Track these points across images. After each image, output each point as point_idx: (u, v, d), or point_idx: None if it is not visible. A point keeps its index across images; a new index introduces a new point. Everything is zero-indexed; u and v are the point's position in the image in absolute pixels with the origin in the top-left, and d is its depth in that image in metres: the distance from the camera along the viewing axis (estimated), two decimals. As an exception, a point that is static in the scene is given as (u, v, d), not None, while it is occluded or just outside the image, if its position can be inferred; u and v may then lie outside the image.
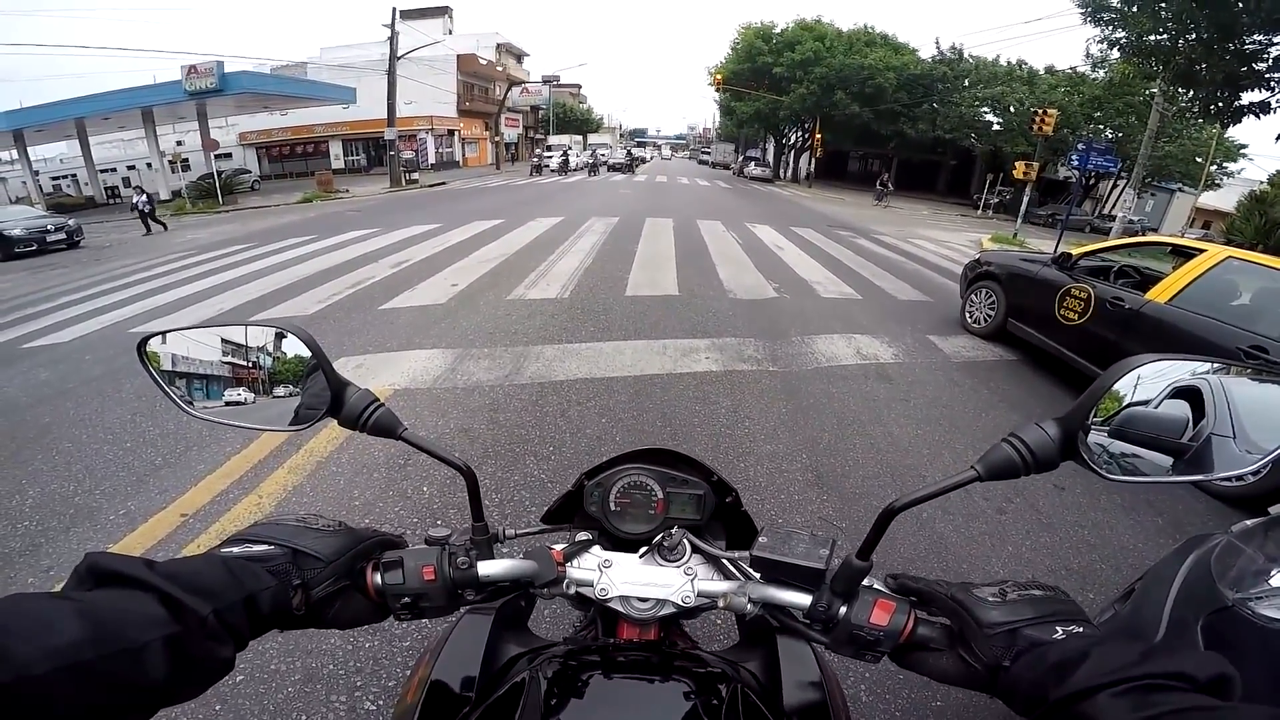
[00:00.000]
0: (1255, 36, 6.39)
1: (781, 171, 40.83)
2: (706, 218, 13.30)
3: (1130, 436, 0.56)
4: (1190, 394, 0.57)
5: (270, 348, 0.65)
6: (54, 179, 35.53)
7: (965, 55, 32.13)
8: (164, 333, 0.66)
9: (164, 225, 15.05)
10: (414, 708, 0.60)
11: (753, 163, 39.18)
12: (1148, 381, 0.57)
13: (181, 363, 0.66)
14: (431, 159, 36.65)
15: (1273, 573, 1.08)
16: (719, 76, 33.99)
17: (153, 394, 3.87)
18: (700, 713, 0.55)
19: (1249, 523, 1.35)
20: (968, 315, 5.85)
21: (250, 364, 0.65)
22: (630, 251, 8.54)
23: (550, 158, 34.28)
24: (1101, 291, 4.41)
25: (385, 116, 24.29)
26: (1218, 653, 0.99)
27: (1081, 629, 0.50)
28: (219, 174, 21.80)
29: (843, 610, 0.58)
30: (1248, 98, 7.00)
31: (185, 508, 2.65)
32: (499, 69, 42.34)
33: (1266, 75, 6.63)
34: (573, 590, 0.69)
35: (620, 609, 0.69)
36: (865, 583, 0.60)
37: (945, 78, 30.94)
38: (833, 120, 32.11)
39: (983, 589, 0.56)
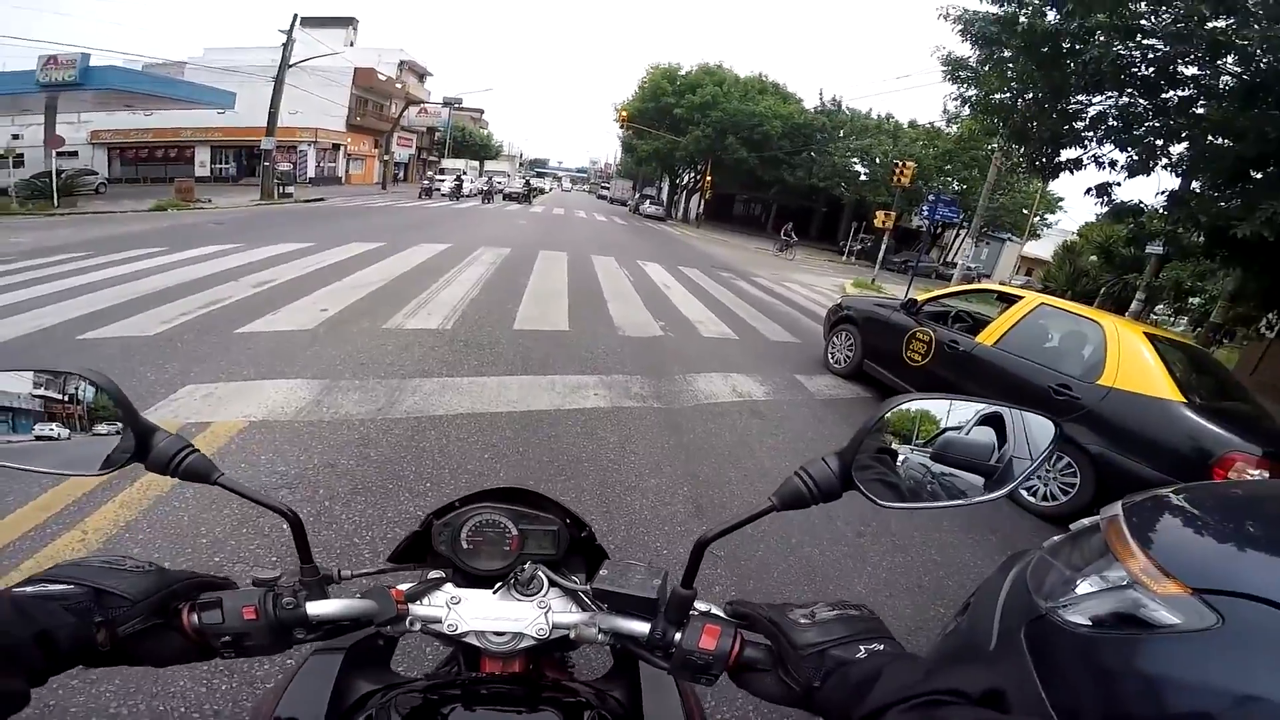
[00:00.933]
0: (1079, 97, 7.36)
1: (673, 211, 42.50)
2: (601, 253, 13.57)
3: (948, 459, 0.63)
4: (995, 420, 0.65)
5: (75, 393, 0.63)
6: None
7: (844, 107, 35.31)
8: None
9: None
10: None
11: (648, 201, 40.55)
12: (960, 407, 0.66)
13: None
14: (311, 173, 34.32)
15: (1077, 582, 1.23)
16: (624, 113, 34.55)
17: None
18: None
19: (1056, 538, 1.52)
20: (830, 356, 6.39)
21: (40, 409, 0.63)
22: (521, 285, 8.46)
23: (442, 181, 33.10)
24: (941, 335, 4.99)
25: (265, 125, 22.52)
26: (1036, 658, 1.13)
27: (882, 646, 0.54)
28: (59, 173, 18.89)
29: (677, 636, 0.61)
30: (1066, 154, 7.99)
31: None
32: (398, 86, 40.85)
33: (1083, 133, 7.63)
34: (418, 627, 0.69)
35: (477, 643, 0.69)
36: (704, 608, 0.64)
37: (824, 128, 33.72)
38: (723, 164, 33.94)
39: (796, 611, 0.60)
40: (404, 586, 0.70)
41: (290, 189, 24.53)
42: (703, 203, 37.10)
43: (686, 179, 42.14)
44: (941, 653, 1.53)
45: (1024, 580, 1.37)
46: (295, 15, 21.97)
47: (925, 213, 17.69)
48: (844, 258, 29.46)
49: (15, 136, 24.40)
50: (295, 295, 6.49)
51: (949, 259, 32.61)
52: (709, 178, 34.35)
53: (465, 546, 0.76)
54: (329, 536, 2.56)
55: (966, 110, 8.93)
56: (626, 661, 0.76)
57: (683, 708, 0.70)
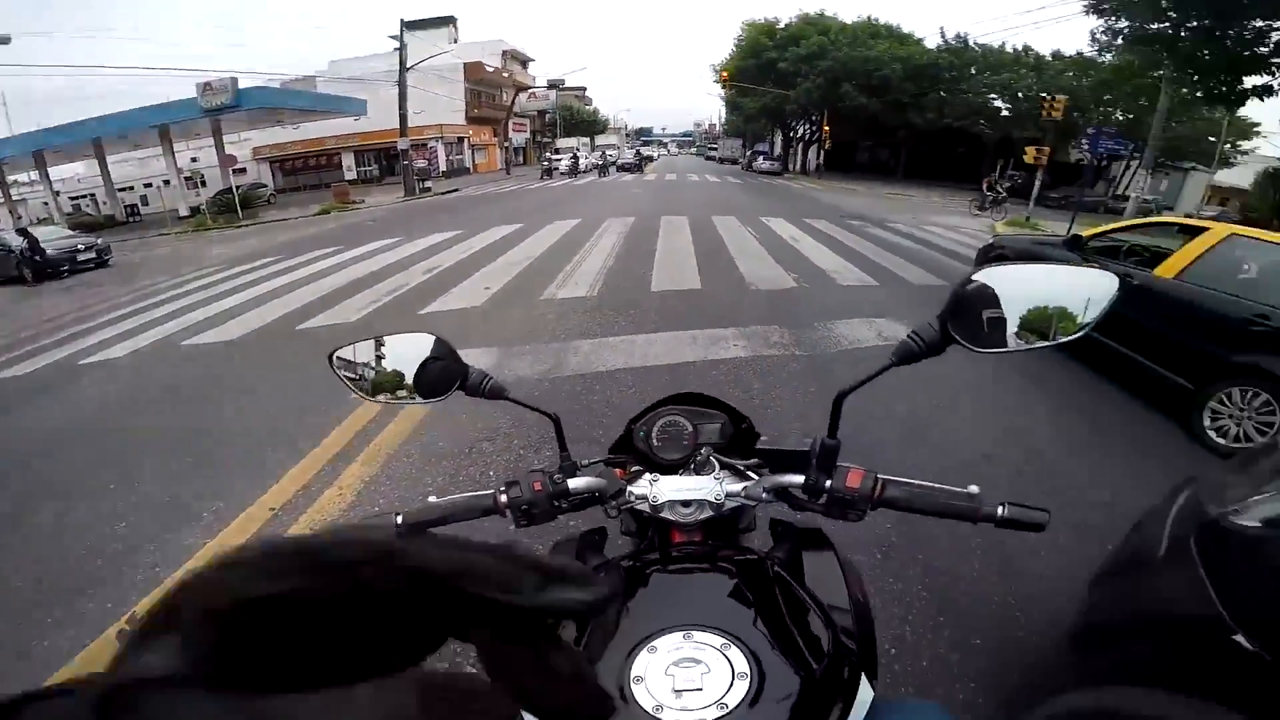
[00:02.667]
0: (1254, 22, 6.44)
1: (789, 165, 40.97)
2: (720, 214, 13.48)
3: (1029, 312, 0.73)
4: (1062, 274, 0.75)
5: (410, 346, 0.91)
6: (73, 198, 35.22)
7: (971, 44, 32.09)
8: (350, 344, 0.92)
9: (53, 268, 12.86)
10: None
11: (761, 157, 39.32)
12: (1035, 269, 0.75)
13: (360, 365, 0.92)
14: (443, 166, 37.13)
15: (1251, 491, 1.27)
16: (725, 73, 34.33)
17: (217, 403, 4.29)
18: (743, 589, 0.72)
19: (1233, 458, 1.56)
20: (983, 298, 6.01)
21: (398, 359, 0.91)
22: (650, 250, 8.76)
23: (560, 160, 34.55)
24: (1112, 269, 4.57)
25: (396, 126, 24.72)
26: (1206, 560, 1.20)
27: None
28: (236, 189, 22.27)
29: (827, 482, 0.79)
30: (1251, 81, 7.06)
31: (271, 503, 2.90)
32: (505, 75, 42.90)
33: (1270, 59, 6.68)
34: (632, 498, 0.87)
35: (670, 516, 0.87)
36: (843, 464, 0.80)
37: (952, 66, 30.99)
38: (840, 112, 32.23)
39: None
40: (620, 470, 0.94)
41: (428, 183, 26.80)
42: (822, 153, 35.45)
43: (801, 131, 40.35)
44: (1111, 562, 1.59)
45: (1196, 495, 1.40)
46: (402, 21, 23.77)
47: (1086, 146, 15.72)
48: (990, 196, 26.79)
49: (193, 159, 28.57)
50: (460, 278, 7.29)
51: (1119, 192, 28.50)
52: (826, 128, 32.77)
53: (655, 443, 0.97)
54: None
55: (1119, 42, 7.82)
56: (786, 537, 0.92)
57: (840, 566, 0.81)
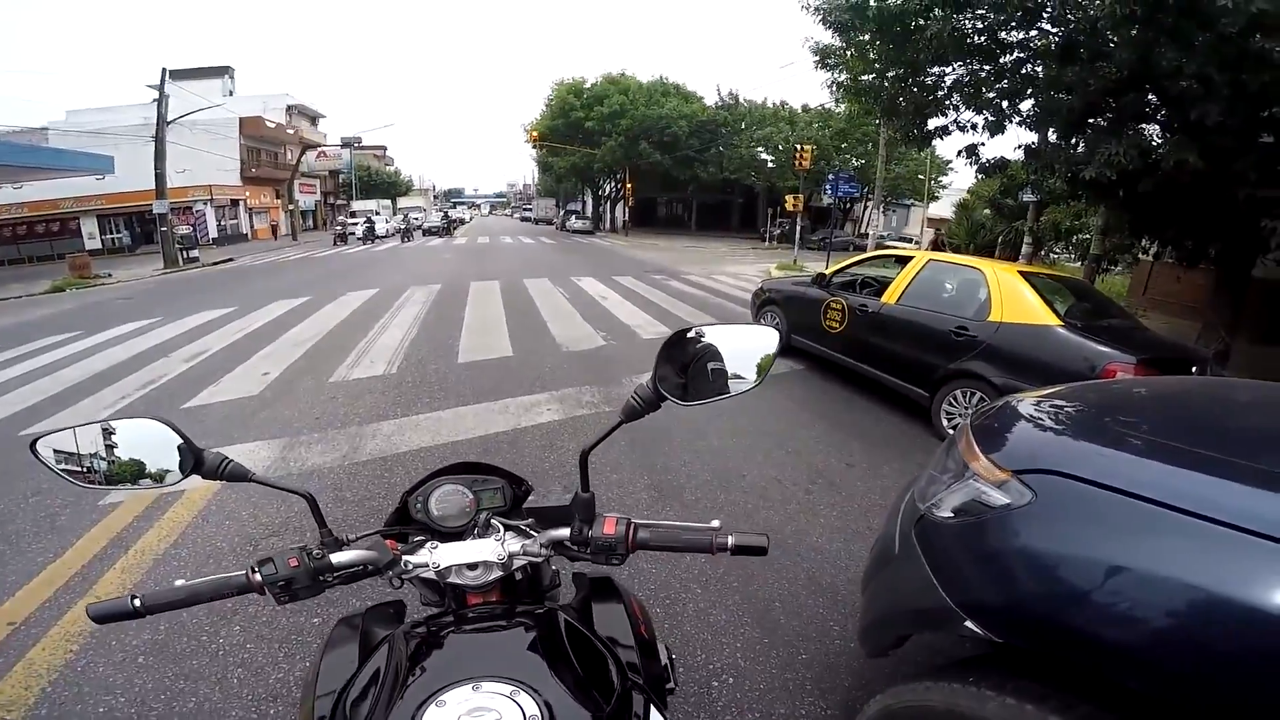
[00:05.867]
0: (933, 70, 7.77)
1: (600, 223, 42.83)
2: (533, 276, 13.73)
3: (714, 368, 0.91)
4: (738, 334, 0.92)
5: (138, 433, 0.87)
6: None
7: (740, 100, 36.50)
8: (50, 433, 0.85)
9: None
10: (309, 699, 0.78)
11: (574, 216, 40.98)
12: (713, 330, 0.91)
13: (77, 454, 0.86)
14: (213, 233, 32.69)
15: (943, 484, 1.50)
16: (535, 132, 34.77)
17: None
18: (535, 641, 0.76)
19: (932, 457, 1.82)
20: (761, 337, 6.84)
21: (123, 445, 0.86)
22: (458, 318, 8.58)
23: (355, 225, 32.38)
24: (851, 301, 5.41)
25: (152, 188, 21.34)
26: (927, 553, 1.44)
27: None
28: None
29: (589, 531, 0.87)
30: (934, 122, 8.38)
31: (9, 617, 2.41)
32: (290, 131, 39.55)
33: (944, 102, 8.02)
34: (410, 568, 0.87)
35: (459, 580, 0.88)
36: (602, 513, 0.89)
37: (726, 122, 34.75)
38: (640, 169, 34.33)
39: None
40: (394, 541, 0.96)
41: (195, 252, 23.34)
42: (627, 210, 37.59)
43: (608, 189, 42.51)
44: (870, 561, 1.83)
45: (913, 491, 1.64)
46: (164, 69, 21.00)
47: (828, 191, 18.76)
48: (765, 243, 30.67)
49: None
50: (233, 363, 6.42)
51: (863, 230, 34.30)
52: (629, 185, 34.88)
53: (435, 512, 0.99)
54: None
55: (840, 94, 9.34)
56: (580, 588, 1.02)
57: (625, 609, 0.92)
